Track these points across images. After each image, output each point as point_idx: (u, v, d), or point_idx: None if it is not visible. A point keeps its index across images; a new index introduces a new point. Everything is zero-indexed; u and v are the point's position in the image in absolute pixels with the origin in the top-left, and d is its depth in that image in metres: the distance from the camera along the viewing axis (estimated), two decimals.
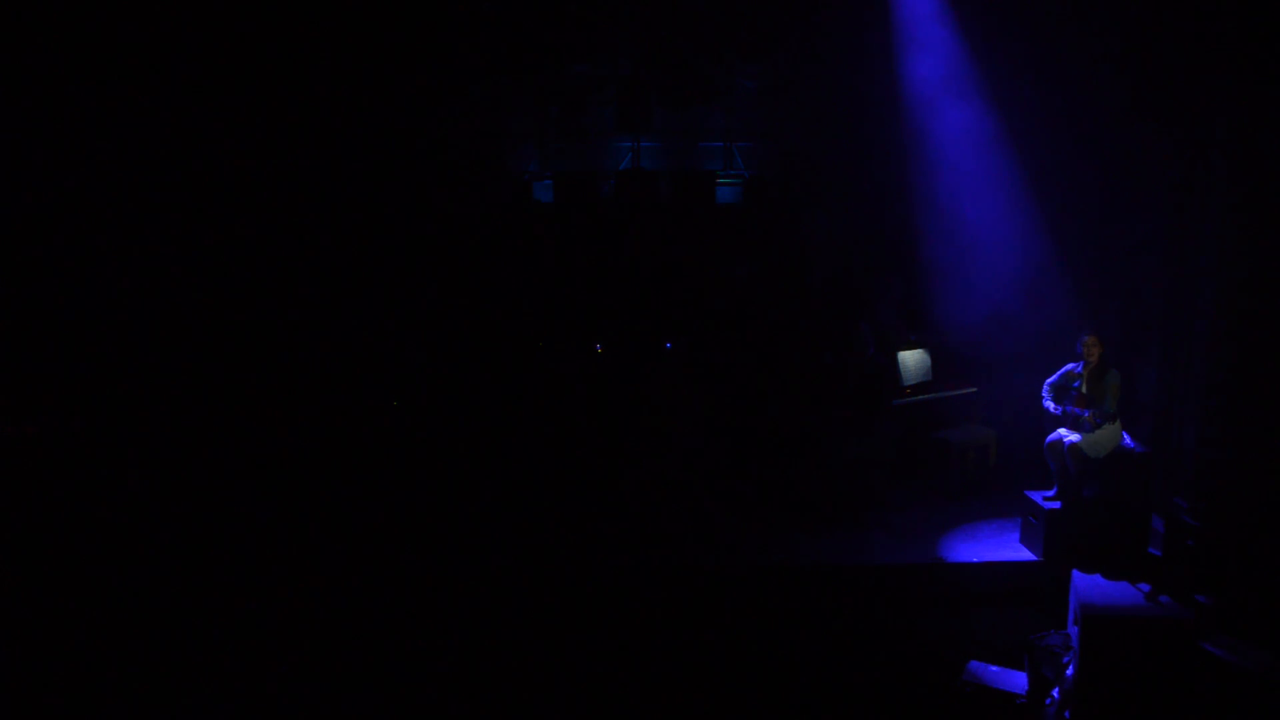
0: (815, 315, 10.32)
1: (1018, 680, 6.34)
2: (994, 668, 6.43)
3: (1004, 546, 7.99)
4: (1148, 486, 7.56)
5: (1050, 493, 7.76)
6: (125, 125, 8.90)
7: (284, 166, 9.56)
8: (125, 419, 8.67)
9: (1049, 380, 7.77)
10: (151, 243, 9.09)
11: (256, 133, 9.41)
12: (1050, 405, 7.68)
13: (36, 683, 6.30)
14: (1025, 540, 7.94)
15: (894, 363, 9.37)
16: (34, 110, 8.50)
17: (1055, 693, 6.21)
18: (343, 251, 9.82)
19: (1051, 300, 9.18)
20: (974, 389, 9.68)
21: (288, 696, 6.31)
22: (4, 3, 8.25)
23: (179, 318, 9.17)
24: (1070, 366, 7.67)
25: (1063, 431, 7.66)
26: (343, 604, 7.27)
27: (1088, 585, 6.63)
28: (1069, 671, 6.21)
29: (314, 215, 9.71)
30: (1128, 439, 7.63)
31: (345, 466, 8.94)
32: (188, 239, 9.24)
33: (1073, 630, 6.43)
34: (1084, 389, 7.51)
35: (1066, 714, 6.08)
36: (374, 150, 9.92)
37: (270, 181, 9.52)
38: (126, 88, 8.85)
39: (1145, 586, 6.71)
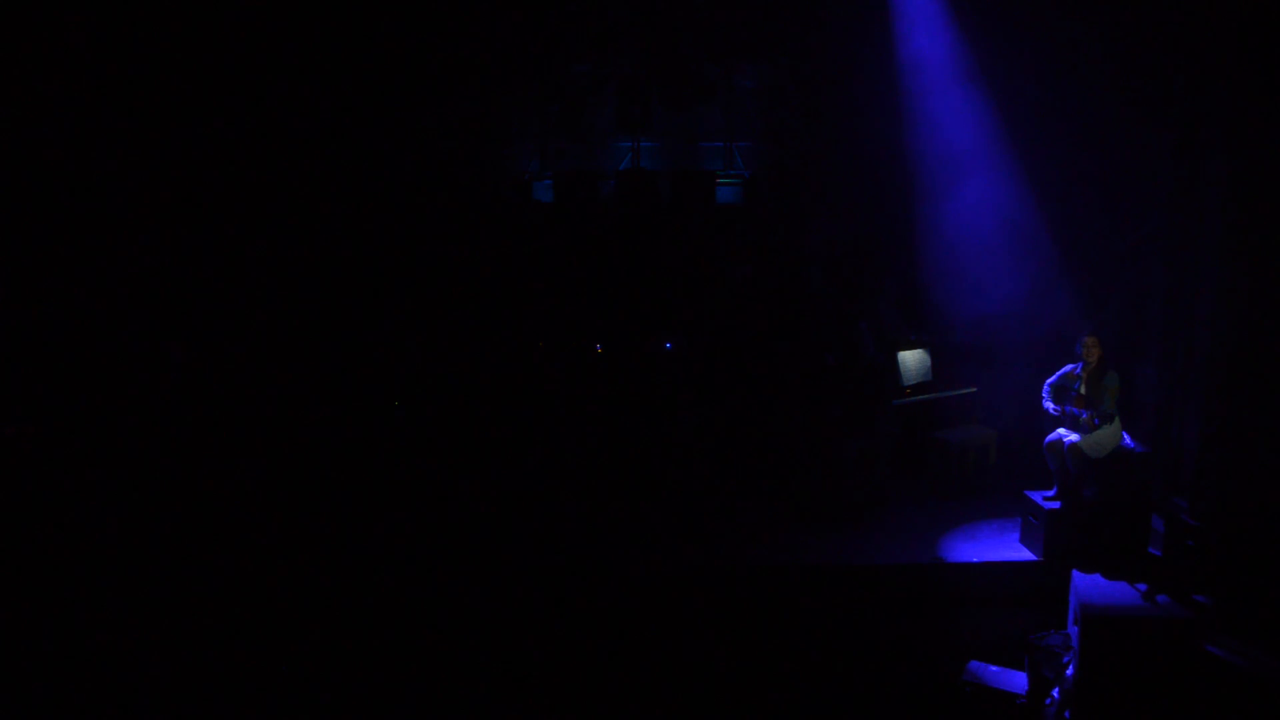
0: (815, 315, 10.32)
1: (1018, 680, 6.33)
2: (994, 668, 6.42)
3: (1004, 546, 7.99)
4: (1148, 486, 7.56)
5: (1050, 493, 7.76)
6: (125, 125, 8.90)
7: (283, 166, 9.56)
8: (125, 419, 8.67)
9: (1048, 381, 7.77)
10: (151, 243, 9.09)
11: (256, 133, 9.41)
12: (1050, 406, 7.68)
13: (36, 683, 6.30)
14: (1025, 540, 7.94)
15: (894, 363, 9.37)
16: (33, 110, 8.50)
17: (1055, 693, 6.20)
18: (343, 251, 9.82)
19: (1051, 300, 9.19)
20: (974, 389, 9.68)
21: (288, 696, 6.31)
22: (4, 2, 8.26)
23: (179, 318, 9.17)
24: (1070, 367, 7.68)
25: (1063, 431, 7.66)
26: (343, 604, 7.26)
27: (1088, 585, 6.63)
28: (1069, 671, 6.20)
29: (314, 215, 9.71)
30: (1128, 439, 7.63)
31: (346, 466, 8.94)
32: (188, 239, 9.25)
33: (1073, 630, 6.43)
34: (1083, 390, 7.51)
35: (1066, 714, 6.08)
36: (374, 150, 9.92)
37: (270, 181, 9.52)
38: (126, 88, 8.85)
39: (1145, 586, 6.70)
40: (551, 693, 6.38)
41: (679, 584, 7.58)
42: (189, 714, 6.14)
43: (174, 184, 9.17)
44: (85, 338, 8.75)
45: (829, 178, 10.65)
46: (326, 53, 9.49)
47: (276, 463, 8.85)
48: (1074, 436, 7.53)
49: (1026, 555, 7.80)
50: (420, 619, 7.18)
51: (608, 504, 8.75)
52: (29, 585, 7.23)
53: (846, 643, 6.97)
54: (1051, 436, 7.71)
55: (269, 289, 9.53)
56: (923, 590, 7.57)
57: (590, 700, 6.33)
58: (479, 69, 10.24)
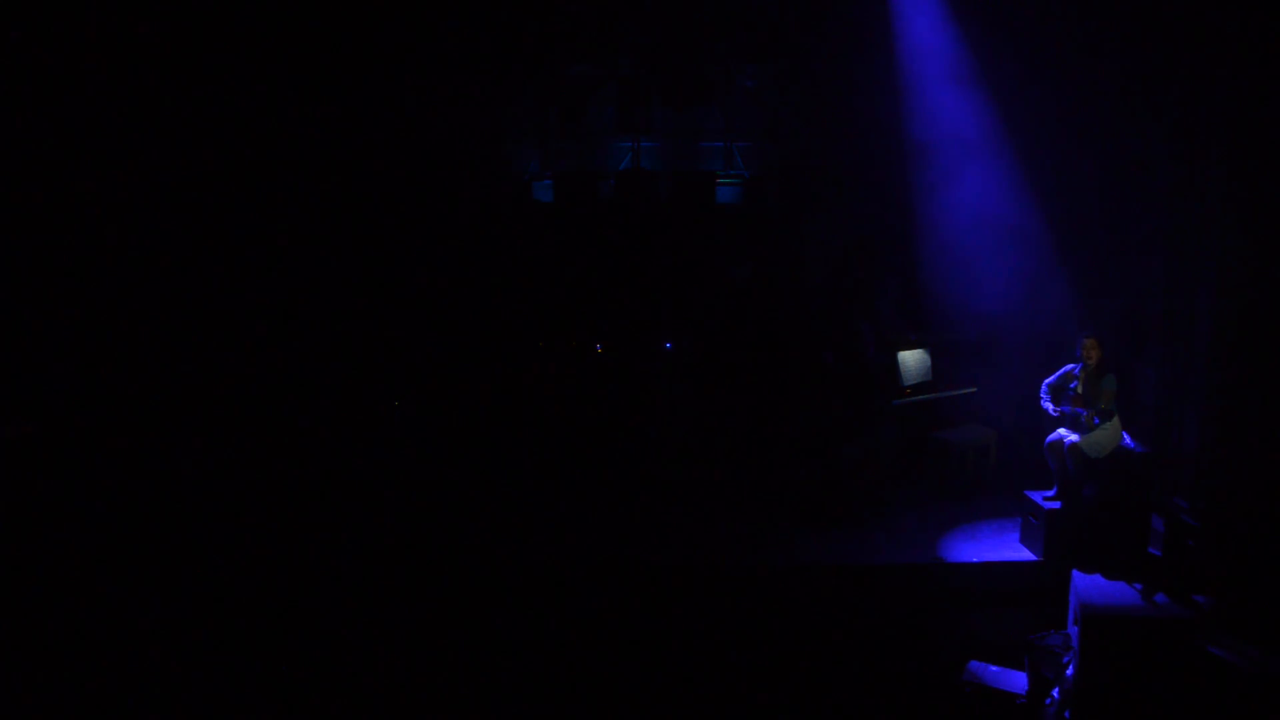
0: (815, 315, 10.32)
1: (1018, 680, 6.34)
2: (994, 668, 6.42)
3: (1004, 546, 7.99)
4: (1148, 486, 7.56)
5: (1050, 493, 7.76)
6: (126, 126, 8.90)
7: (284, 167, 9.56)
8: (125, 419, 8.67)
9: (1047, 381, 7.77)
10: (151, 242, 9.08)
11: (257, 133, 9.41)
12: (1049, 406, 7.68)
13: (36, 683, 6.30)
14: (1025, 540, 7.93)
15: (894, 363, 9.36)
16: (33, 109, 8.50)
17: (1055, 693, 6.20)
18: (343, 252, 9.82)
19: (1051, 300, 9.19)
20: (974, 389, 9.68)
21: (287, 696, 6.31)
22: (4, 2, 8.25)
23: (179, 317, 9.16)
24: (1069, 367, 7.68)
25: (1063, 431, 7.66)
26: (342, 603, 7.26)
27: (1088, 585, 6.63)
28: (1069, 671, 6.21)
29: (314, 215, 9.71)
30: (1128, 439, 7.62)
31: (346, 466, 8.94)
32: (188, 239, 9.24)
33: (1073, 630, 6.43)
34: (1080, 390, 7.52)
35: (1066, 714, 6.08)
36: (374, 150, 9.92)
37: (271, 182, 9.52)
38: (126, 88, 8.85)
39: (1145, 586, 6.71)
40: (552, 692, 6.38)
41: (679, 584, 7.58)
42: (189, 714, 6.15)
43: (174, 184, 9.17)
44: (85, 338, 8.74)
45: (829, 177, 10.66)
46: (326, 53, 9.49)
47: (277, 462, 8.85)
48: (1074, 436, 7.53)
49: (1026, 555, 7.79)
50: (420, 618, 7.18)
51: (607, 503, 8.75)
52: (29, 585, 7.23)
53: (846, 643, 6.96)
54: (1052, 436, 7.71)
55: (269, 289, 9.53)
56: (923, 590, 7.57)
57: (591, 700, 6.33)
58: (479, 69, 10.24)
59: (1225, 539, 7.08)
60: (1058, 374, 7.74)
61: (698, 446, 9.24)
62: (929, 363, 9.64)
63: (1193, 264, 7.61)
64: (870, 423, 8.84)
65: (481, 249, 10.40)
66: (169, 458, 8.65)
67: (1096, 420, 7.38)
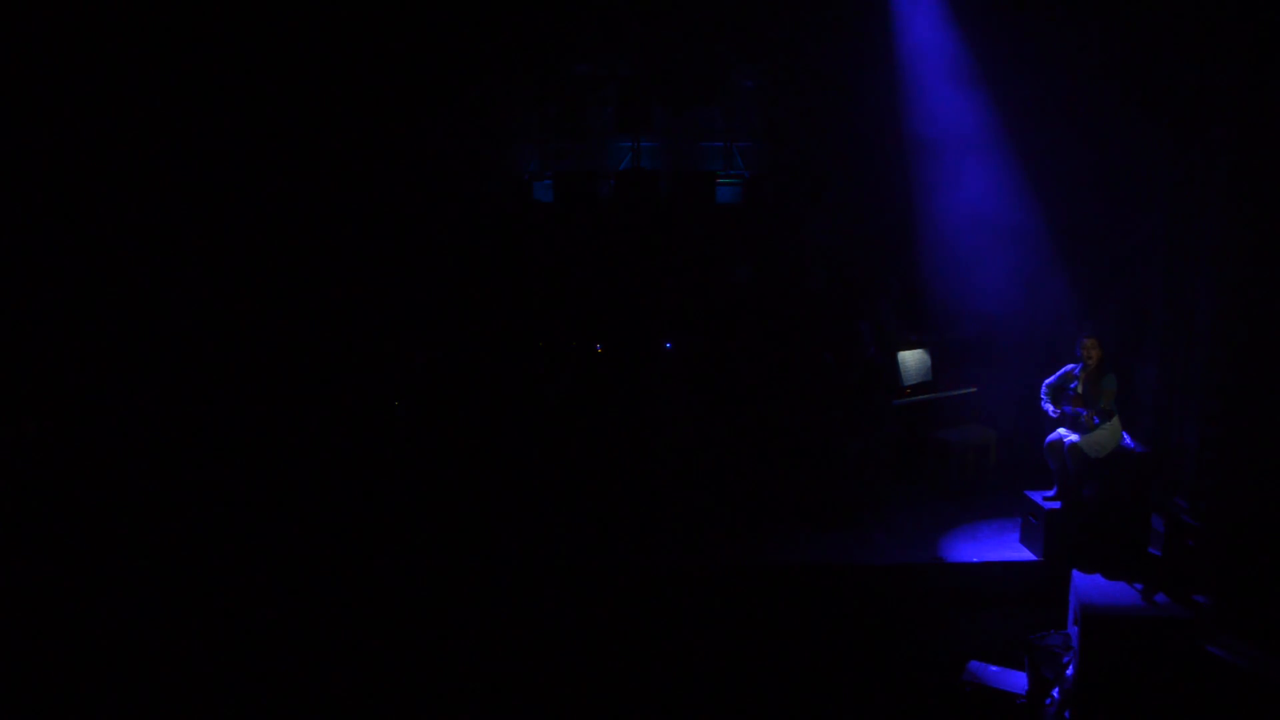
0: (815, 315, 10.32)
1: (1018, 680, 6.34)
2: (994, 668, 6.42)
3: (1004, 546, 7.99)
4: (1148, 486, 7.56)
5: (1050, 493, 7.76)
6: (127, 126, 8.90)
7: (284, 167, 9.56)
8: (125, 419, 8.67)
9: (1047, 381, 7.77)
10: (152, 243, 9.09)
11: (256, 133, 9.41)
12: (1048, 407, 7.68)
13: (36, 683, 6.30)
14: (1025, 540, 7.94)
15: (894, 363, 9.37)
16: (33, 110, 8.50)
17: (1055, 693, 6.20)
18: (343, 252, 9.82)
19: (1051, 300, 9.19)
20: (974, 389, 9.68)
21: (287, 697, 6.31)
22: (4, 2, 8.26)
23: (179, 318, 9.17)
24: (1070, 367, 7.68)
25: (1063, 431, 7.66)
26: (342, 604, 7.27)
27: (1088, 585, 6.63)
28: (1069, 671, 6.21)
29: (314, 216, 9.71)
30: (1128, 439, 7.63)
31: (346, 466, 8.94)
32: (188, 239, 9.25)
33: (1073, 630, 6.43)
34: (1080, 390, 7.52)
35: (1066, 714, 6.08)
36: (374, 151, 9.92)
37: (270, 182, 9.52)
38: (127, 88, 8.85)
39: (1145, 586, 6.71)
40: (551, 693, 6.38)
41: (679, 583, 7.58)
42: (189, 714, 6.15)
43: (175, 183, 9.17)
44: (86, 338, 8.75)
45: (829, 177, 10.66)
46: (327, 53, 9.49)
47: (278, 462, 8.85)
48: (1074, 436, 7.53)
49: (1026, 555, 7.80)
50: (419, 618, 7.18)
51: (607, 503, 8.75)
52: (30, 585, 7.23)
53: (846, 643, 6.97)
54: (1052, 436, 7.71)
55: (270, 288, 9.53)
56: (923, 590, 7.57)
57: (590, 700, 6.33)
58: (479, 69, 10.25)
59: (1225, 539, 7.09)
60: (1058, 374, 7.73)
61: (698, 447, 9.24)
62: (929, 363, 9.64)
63: (1193, 264, 7.61)
64: (870, 423, 8.84)
65: (481, 249, 10.40)
66: (169, 457, 8.65)
67: (1096, 420, 7.38)
